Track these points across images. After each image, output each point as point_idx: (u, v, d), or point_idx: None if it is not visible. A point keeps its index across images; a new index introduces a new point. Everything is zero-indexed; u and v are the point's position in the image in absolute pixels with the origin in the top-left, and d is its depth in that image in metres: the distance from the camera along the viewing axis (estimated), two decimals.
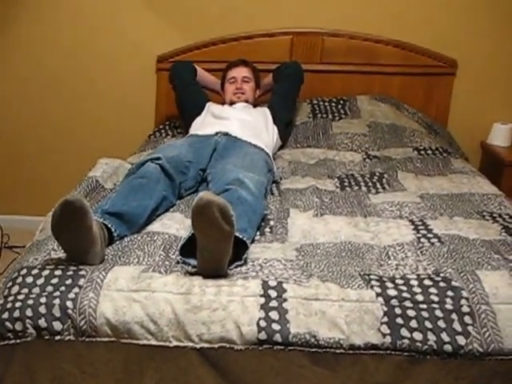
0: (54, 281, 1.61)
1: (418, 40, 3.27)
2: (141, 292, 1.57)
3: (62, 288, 1.58)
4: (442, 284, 1.61)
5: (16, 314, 1.54)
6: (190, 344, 1.51)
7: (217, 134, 2.60)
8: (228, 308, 1.53)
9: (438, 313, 1.53)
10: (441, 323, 1.52)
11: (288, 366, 1.53)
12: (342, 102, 3.24)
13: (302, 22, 3.27)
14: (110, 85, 3.46)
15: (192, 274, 1.65)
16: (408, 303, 1.55)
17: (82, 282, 1.60)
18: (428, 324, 1.52)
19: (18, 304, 1.56)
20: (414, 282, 1.62)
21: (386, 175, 2.58)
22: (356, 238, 1.93)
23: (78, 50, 3.41)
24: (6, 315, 1.55)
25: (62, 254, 1.75)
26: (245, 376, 1.56)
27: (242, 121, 2.72)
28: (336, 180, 2.54)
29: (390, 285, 1.60)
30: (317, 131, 3.05)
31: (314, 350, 1.50)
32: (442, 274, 1.66)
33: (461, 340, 1.49)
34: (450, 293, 1.58)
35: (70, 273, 1.64)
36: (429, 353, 1.49)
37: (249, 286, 1.58)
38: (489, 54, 3.30)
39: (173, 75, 3.04)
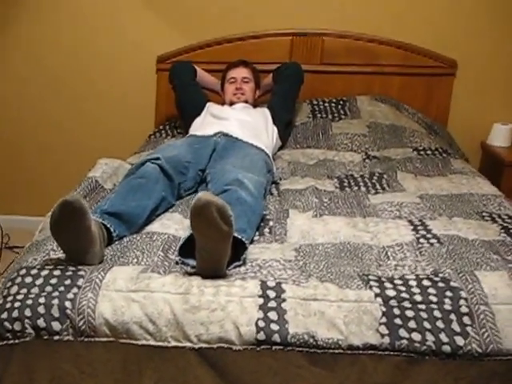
0: (53, 281, 1.61)
1: (418, 40, 3.27)
2: (139, 292, 1.57)
3: (61, 288, 1.58)
4: (440, 284, 1.61)
5: (15, 313, 1.54)
6: (189, 344, 1.51)
7: (216, 134, 2.60)
8: (226, 308, 1.53)
9: (437, 313, 1.53)
10: (439, 324, 1.52)
11: (286, 366, 1.53)
12: (341, 102, 3.24)
13: (302, 23, 3.27)
14: (110, 85, 3.46)
15: (191, 275, 1.65)
16: (407, 304, 1.55)
17: (80, 282, 1.60)
18: (427, 324, 1.51)
19: (16, 304, 1.56)
20: (413, 283, 1.62)
21: (385, 176, 2.58)
22: (355, 239, 1.93)
23: (77, 50, 3.41)
24: (4, 315, 1.55)
25: (61, 255, 1.75)
26: (243, 376, 1.56)
27: (242, 121, 2.72)
28: (335, 180, 2.53)
29: (388, 285, 1.60)
30: (316, 132, 3.05)
31: (312, 350, 1.50)
32: (440, 275, 1.66)
33: (459, 340, 1.49)
34: (448, 293, 1.58)
35: (69, 273, 1.64)
36: (427, 353, 1.49)
37: (247, 287, 1.58)
38: (489, 54, 3.30)
39: (172, 75, 3.04)
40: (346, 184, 2.49)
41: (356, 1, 3.27)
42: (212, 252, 1.60)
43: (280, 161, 2.82)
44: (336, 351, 1.50)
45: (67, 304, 1.55)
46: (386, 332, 1.50)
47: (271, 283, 1.60)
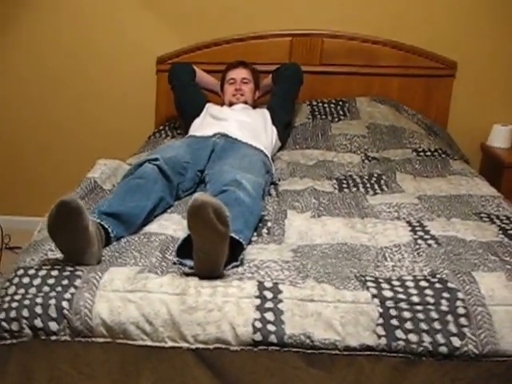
0: (51, 281, 1.61)
1: (418, 41, 3.28)
2: (136, 292, 1.57)
3: (59, 288, 1.58)
4: (437, 285, 1.60)
5: (12, 314, 1.54)
6: (186, 345, 1.51)
7: (215, 135, 2.60)
8: (223, 309, 1.53)
9: (434, 314, 1.53)
10: (436, 325, 1.51)
11: (283, 367, 1.53)
12: (341, 103, 3.24)
13: (302, 24, 3.28)
14: (110, 85, 3.47)
15: (188, 275, 1.65)
16: (403, 305, 1.55)
17: (78, 282, 1.60)
18: (423, 325, 1.51)
19: (14, 304, 1.56)
20: (410, 284, 1.62)
21: (384, 177, 2.58)
22: (353, 240, 1.93)
23: (77, 50, 3.42)
24: (2, 315, 1.55)
25: (59, 255, 1.75)
26: (241, 377, 1.55)
27: (241, 122, 2.72)
28: (334, 181, 2.53)
29: (385, 286, 1.60)
30: (316, 132, 3.06)
31: (309, 351, 1.49)
32: (438, 276, 1.66)
33: (456, 341, 1.49)
34: (445, 294, 1.57)
35: (67, 273, 1.64)
36: (424, 354, 1.49)
37: (244, 287, 1.58)
38: (488, 55, 3.30)
39: (172, 76, 3.05)
40: (344, 185, 2.49)
41: (355, 2, 3.27)
42: (209, 252, 1.60)
43: (279, 161, 2.82)
44: (333, 352, 1.49)
45: (64, 304, 1.55)
46: (383, 333, 1.50)
47: (268, 284, 1.60)
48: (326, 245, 1.90)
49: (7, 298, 1.58)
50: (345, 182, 2.53)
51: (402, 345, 1.49)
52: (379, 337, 1.50)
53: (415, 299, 1.56)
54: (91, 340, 1.54)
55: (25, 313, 1.54)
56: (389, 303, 1.55)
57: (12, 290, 1.60)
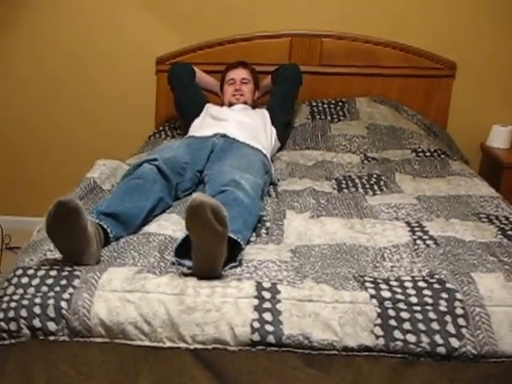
0: (49, 281, 1.61)
1: (418, 42, 3.28)
2: (135, 293, 1.57)
3: (57, 288, 1.59)
4: (436, 286, 1.60)
5: (11, 314, 1.54)
6: (184, 345, 1.51)
7: (214, 135, 2.60)
8: (222, 309, 1.53)
9: (432, 315, 1.53)
10: (434, 325, 1.51)
11: (281, 367, 1.53)
12: (340, 103, 3.24)
13: (301, 24, 3.28)
14: (110, 85, 3.47)
15: (186, 275, 1.65)
16: (402, 305, 1.55)
17: (76, 282, 1.60)
18: (421, 326, 1.51)
19: (12, 304, 1.56)
20: (409, 284, 1.62)
21: (383, 177, 2.58)
22: (351, 240, 1.93)
23: (77, 50, 3.42)
24: (1, 315, 1.55)
25: (57, 255, 1.75)
26: (239, 377, 1.55)
27: (240, 122, 2.72)
28: (333, 182, 2.53)
29: (384, 286, 1.60)
30: (315, 133, 3.06)
31: (307, 351, 1.49)
32: (436, 276, 1.66)
33: (454, 342, 1.49)
34: (444, 295, 1.57)
35: (65, 273, 1.64)
36: (422, 355, 1.49)
37: (243, 288, 1.58)
38: (488, 55, 3.30)
39: (171, 77, 3.05)
40: (343, 185, 2.49)
41: (355, 2, 3.27)
42: (207, 253, 1.60)
43: (278, 162, 2.83)
44: (331, 352, 1.49)
45: (63, 304, 1.55)
46: (381, 333, 1.50)
47: (266, 284, 1.60)
48: (324, 245, 1.90)
49: (6, 298, 1.58)
50: (344, 182, 2.53)
51: (400, 345, 1.49)
52: (377, 337, 1.50)
53: (413, 300, 1.56)
54: (89, 340, 1.54)
55: (23, 313, 1.54)
56: (387, 304, 1.55)
57: (11, 290, 1.61)
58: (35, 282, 1.61)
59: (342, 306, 1.54)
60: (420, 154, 2.88)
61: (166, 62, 3.33)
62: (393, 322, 1.52)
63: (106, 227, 1.84)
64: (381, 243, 1.91)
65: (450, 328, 1.51)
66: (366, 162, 2.82)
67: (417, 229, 2.01)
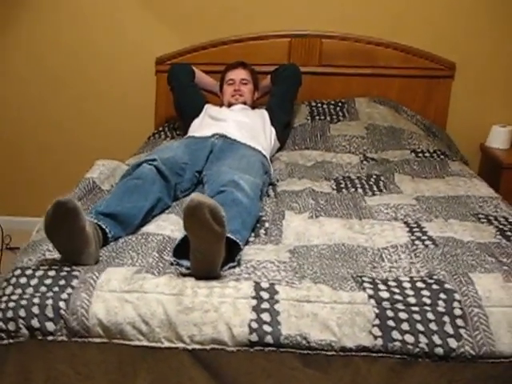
0: (48, 281, 1.61)
1: (417, 42, 3.28)
2: (133, 293, 1.57)
3: (55, 288, 1.59)
4: (434, 286, 1.60)
5: (9, 314, 1.55)
6: (182, 345, 1.51)
7: (214, 135, 2.60)
8: (220, 309, 1.53)
9: (430, 315, 1.53)
10: (432, 326, 1.51)
11: (280, 367, 1.53)
12: (340, 104, 3.24)
13: (301, 24, 3.28)
14: (110, 85, 3.47)
15: (185, 276, 1.65)
16: (400, 305, 1.55)
17: (75, 282, 1.60)
18: (419, 326, 1.51)
19: (11, 304, 1.56)
20: (407, 285, 1.62)
21: (382, 177, 2.58)
22: (350, 240, 1.93)
23: (77, 50, 3.42)
24: None
25: (56, 255, 1.76)
26: (237, 378, 1.55)
27: (240, 122, 2.72)
28: (332, 182, 2.53)
29: (382, 287, 1.60)
30: (315, 133, 3.06)
31: (305, 352, 1.49)
32: (435, 277, 1.66)
33: (452, 343, 1.49)
34: (442, 295, 1.57)
35: (64, 273, 1.64)
36: (420, 355, 1.49)
37: (241, 288, 1.58)
38: (488, 55, 3.30)
39: (170, 77, 3.05)
40: (342, 186, 2.49)
41: (355, 2, 3.27)
42: (205, 253, 1.60)
43: (278, 162, 2.82)
44: (329, 353, 1.49)
45: (61, 304, 1.55)
46: (379, 334, 1.50)
47: (265, 284, 1.60)
48: (323, 245, 1.90)
49: (4, 298, 1.58)
50: (343, 182, 2.52)
51: (398, 346, 1.49)
52: (375, 338, 1.50)
53: (412, 300, 1.56)
54: (88, 340, 1.54)
55: (22, 313, 1.54)
56: (385, 304, 1.55)
57: (9, 290, 1.61)
58: (34, 282, 1.61)
59: (341, 306, 1.54)
60: (419, 155, 2.88)
61: (165, 63, 3.33)
62: (391, 323, 1.52)
63: (104, 227, 1.85)
64: (379, 244, 1.91)
65: (449, 328, 1.51)
66: (365, 162, 2.82)
67: (415, 229, 2.01)
